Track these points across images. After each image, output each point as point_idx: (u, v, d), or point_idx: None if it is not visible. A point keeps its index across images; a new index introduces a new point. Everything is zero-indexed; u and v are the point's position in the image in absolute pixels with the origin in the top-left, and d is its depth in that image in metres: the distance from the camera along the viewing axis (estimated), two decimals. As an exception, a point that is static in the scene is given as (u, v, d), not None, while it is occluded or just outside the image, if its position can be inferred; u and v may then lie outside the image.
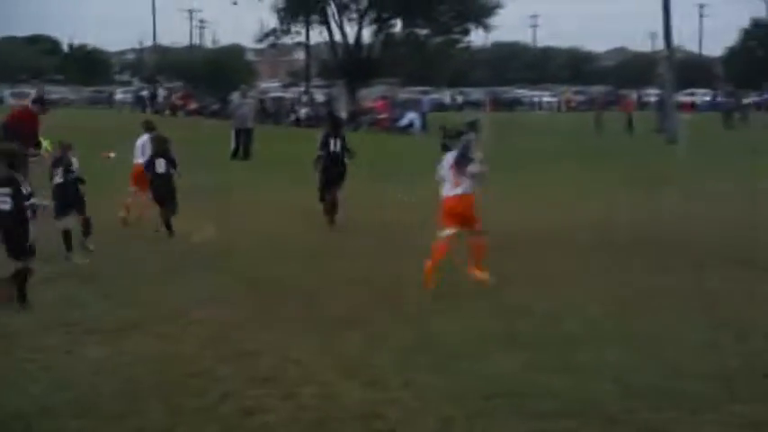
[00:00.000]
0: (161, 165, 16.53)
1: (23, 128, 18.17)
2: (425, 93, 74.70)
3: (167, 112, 74.18)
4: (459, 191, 12.30)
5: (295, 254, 14.57)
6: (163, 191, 16.35)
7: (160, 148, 16.73)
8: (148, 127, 18.36)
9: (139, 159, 17.54)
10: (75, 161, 14.77)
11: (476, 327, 10.22)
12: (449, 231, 12.30)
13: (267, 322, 10.36)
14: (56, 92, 79.59)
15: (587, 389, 8.19)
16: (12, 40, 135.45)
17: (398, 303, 11.28)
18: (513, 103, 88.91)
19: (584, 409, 7.71)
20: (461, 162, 12.30)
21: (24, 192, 10.91)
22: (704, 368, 8.74)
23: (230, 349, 9.27)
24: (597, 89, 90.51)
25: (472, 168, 12.27)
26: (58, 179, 14.46)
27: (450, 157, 12.45)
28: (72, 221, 14.38)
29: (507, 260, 13.53)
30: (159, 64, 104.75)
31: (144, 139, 17.77)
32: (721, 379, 8.41)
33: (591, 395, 8.03)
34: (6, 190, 10.84)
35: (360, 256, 14.26)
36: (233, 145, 34.85)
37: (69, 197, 14.35)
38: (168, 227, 16.13)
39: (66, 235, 14.16)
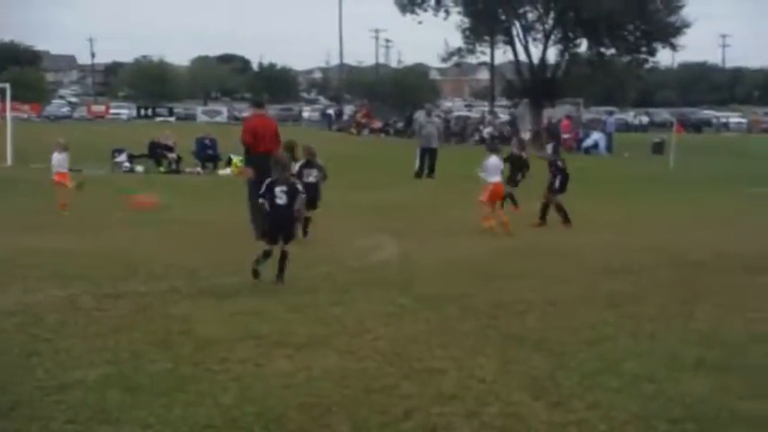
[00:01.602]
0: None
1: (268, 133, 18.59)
2: (610, 113, 73.87)
3: (352, 130, 75.57)
4: None
5: (474, 273, 14.53)
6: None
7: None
8: (493, 149, 20.47)
9: (493, 178, 19.36)
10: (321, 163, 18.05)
11: (662, 350, 9.96)
12: None
13: (448, 340, 10.30)
14: (244, 110, 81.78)
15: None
16: (204, 59, 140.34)
17: (579, 325, 11.05)
18: (700, 125, 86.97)
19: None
20: None
21: (299, 190, 13.59)
22: None
23: (413, 366, 9.25)
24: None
25: None
26: (311, 179, 17.48)
27: None
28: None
29: (695, 282, 13.53)
30: (345, 82, 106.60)
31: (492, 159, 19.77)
32: None
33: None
34: (284, 188, 13.32)
35: (541, 277, 14.15)
36: (417, 164, 35.18)
37: (314, 194, 17.26)
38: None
39: (307, 221, 17.23)
